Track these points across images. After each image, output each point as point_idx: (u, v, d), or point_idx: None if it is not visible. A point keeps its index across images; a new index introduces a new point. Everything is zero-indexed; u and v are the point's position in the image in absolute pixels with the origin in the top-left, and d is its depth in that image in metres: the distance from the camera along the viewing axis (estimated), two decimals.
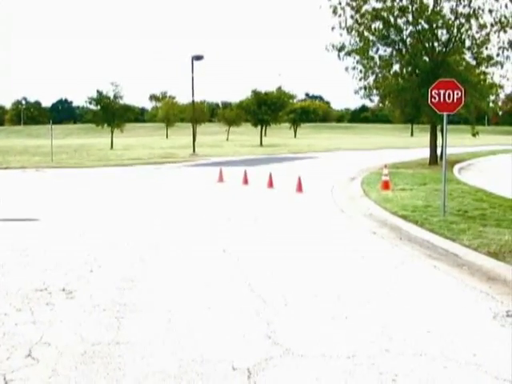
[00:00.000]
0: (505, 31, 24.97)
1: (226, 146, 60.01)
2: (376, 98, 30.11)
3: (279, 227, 10.66)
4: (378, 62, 27.61)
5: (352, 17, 26.21)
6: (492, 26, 25.14)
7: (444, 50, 26.52)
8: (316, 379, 4.06)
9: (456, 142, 53.09)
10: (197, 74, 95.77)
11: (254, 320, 5.32)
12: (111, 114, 57.68)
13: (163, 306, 5.77)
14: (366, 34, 26.53)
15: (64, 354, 4.52)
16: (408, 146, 58.64)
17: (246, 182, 18.99)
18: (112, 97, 57.75)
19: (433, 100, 11.16)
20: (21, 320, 5.32)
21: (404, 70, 28.23)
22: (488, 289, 6.29)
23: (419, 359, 4.38)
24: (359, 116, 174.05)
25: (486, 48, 26.33)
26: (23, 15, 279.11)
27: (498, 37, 25.40)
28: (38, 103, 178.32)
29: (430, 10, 25.87)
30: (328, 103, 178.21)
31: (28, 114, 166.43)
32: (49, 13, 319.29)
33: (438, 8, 26.00)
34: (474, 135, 33.23)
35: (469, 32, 26.08)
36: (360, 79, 27.65)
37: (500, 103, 34.25)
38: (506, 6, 24.12)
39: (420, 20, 25.98)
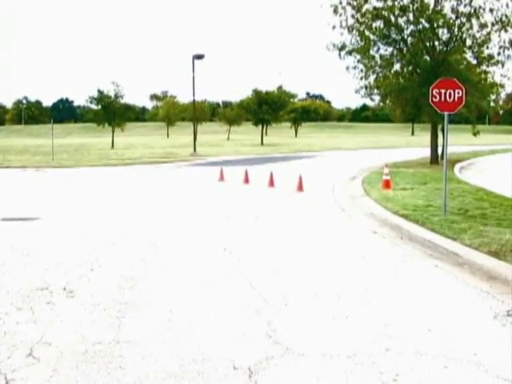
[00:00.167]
0: (505, 30, 24.98)
1: (227, 146, 60.00)
2: (377, 98, 30.11)
3: (280, 226, 10.65)
4: (378, 62, 27.61)
5: (353, 16, 26.21)
6: (493, 25, 25.15)
7: (445, 49, 26.51)
8: (317, 379, 4.06)
9: (457, 141, 53.04)
10: (198, 74, 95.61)
11: (254, 319, 5.32)
12: (112, 113, 57.75)
13: (164, 305, 5.77)
14: (366, 33, 26.52)
15: (65, 353, 4.52)
16: (409, 145, 58.65)
17: (246, 181, 18.98)
18: (113, 96, 57.88)
19: (434, 99, 11.14)
20: (21, 319, 5.33)
21: (405, 70, 28.21)
22: (489, 288, 6.28)
23: (420, 358, 4.38)
24: (360, 115, 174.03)
25: (487, 47, 26.35)
26: (23, 15, 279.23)
27: (499, 36, 25.44)
28: (38, 102, 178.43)
29: (430, 9, 25.86)
30: (329, 102, 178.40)
31: (29, 114, 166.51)
32: (49, 12, 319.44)
33: (439, 7, 26.00)
34: (474, 134, 33.23)
35: (470, 31, 26.09)
36: (361, 78, 27.67)
37: (501, 102, 34.18)
38: (507, 5, 24.15)
39: (421, 19, 25.96)
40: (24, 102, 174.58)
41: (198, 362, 4.35)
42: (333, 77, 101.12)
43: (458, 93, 11.06)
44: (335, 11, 26.17)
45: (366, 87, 27.88)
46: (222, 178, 20.00)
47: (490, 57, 26.41)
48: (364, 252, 8.28)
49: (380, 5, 25.95)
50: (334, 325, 5.15)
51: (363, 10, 25.99)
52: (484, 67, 27.33)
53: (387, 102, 30.95)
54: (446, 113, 11.36)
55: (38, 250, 8.48)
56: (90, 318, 5.38)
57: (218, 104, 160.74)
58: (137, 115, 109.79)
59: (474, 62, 27.50)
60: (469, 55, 27.63)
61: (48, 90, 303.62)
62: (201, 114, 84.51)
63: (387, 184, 16.21)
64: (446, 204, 11.15)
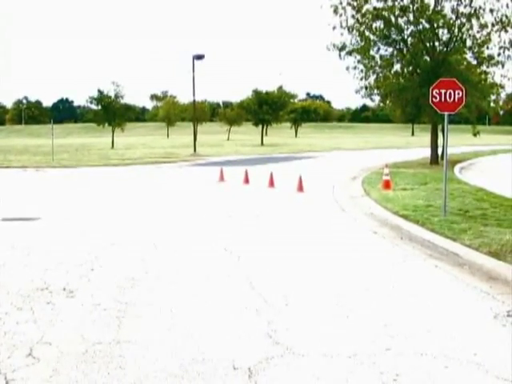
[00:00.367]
0: (506, 31, 24.98)
1: (227, 146, 60.00)
2: (377, 98, 30.09)
3: (280, 226, 10.66)
4: (378, 62, 27.62)
5: (353, 16, 26.21)
6: (493, 25, 25.15)
7: (445, 49, 26.51)
8: (317, 379, 4.06)
9: (457, 141, 53.07)
10: (198, 74, 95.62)
11: (254, 319, 5.32)
12: (112, 113, 57.75)
13: (164, 305, 5.77)
14: (366, 33, 26.52)
15: (65, 353, 4.52)
16: (409, 145, 58.66)
17: (246, 181, 18.99)
18: (113, 96, 57.85)
19: (434, 100, 11.14)
20: (22, 319, 5.33)
21: (405, 70, 28.22)
22: (489, 288, 6.29)
23: (420, 358, 4.38)
24: (360, 115, 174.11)
25: (487, 47, 26.35)
26: (24, 15, 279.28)
27: (499, 36, 25.44)
28: (38, 103, 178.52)
29: (431, 9, 25.87)
30: (329, 103, 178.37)
31: (29, 114, 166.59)
32: (49, 12, 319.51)
33: (439, 7, 26.01)
34: (474, 135, 33.28)
35: (470, 31, 26.09)
36: (361, 79, 27.68)
37: (501, 103, 34.16)
38: (507, 6, 24.15)
39: (421, 19, 25.97)
40: (24, 102, 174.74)
41: (198, 362, 4.35)
42: (333, 77, 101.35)
43: (458, 93, 11.06)
44: (335, 11, 26.19)
45: (366, 87, 27.90)
46: (222, 178, 20.01)
47: (490, 57, 26.42)
48: (364, 252, 8.28)
49: (380, 5, 25.98)
50: (334, 325, 5.16)
51: (363, 10, 26.00)
52: (484, 68, 27.34)
53: (387, 102, 30.94)
54: (446, 113, 11.35)
55: (38, 249, 8.48)
56: (90, 317, 5.38)
57: (218, 104, 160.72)
58: (137, 115, 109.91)
59: (474, 62, 27.50)
60: (469, 56, 27.65)
61: (48, 90, 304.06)
62: (201, 114, 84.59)
63: (387, 184, 16.21)
64: (446, 204, 11.15)
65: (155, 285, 6.56)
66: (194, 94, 44.43)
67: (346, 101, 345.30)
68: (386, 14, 26.02)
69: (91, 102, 60.24)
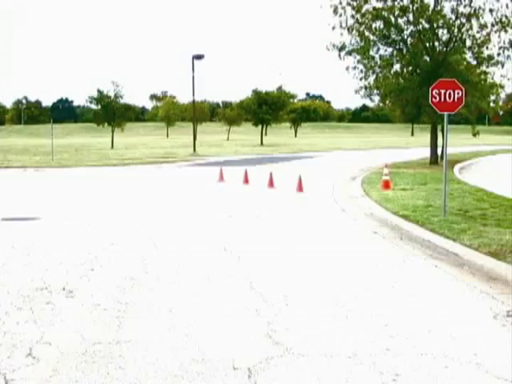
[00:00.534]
0: (505, 31, 24.96)
1: (227, 146, 60.00)
2: (377, 98, 30.10)
3: (280, 226, 10.66)
4: (378, 62, 27.59)
5: (353, 16, 26.19)
6: (493, 25, 25.14)
7: (445, 49, 26.50)
8: (317, 379, 4.06)
9: (457, 141, 53.07)
10: (197, 74, 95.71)
11: (254, 319, 5.32)
12: (112, 113, 57.77)
13: (164, 305, 5.77)
14: (366, 33, 26.50)
15: (65, 353, 4.52)
16: (408, 145, 58.65)
17: (246, 181, 18.98)
18: (113, 96, 57.85)
19: (433, 100, 11.14)
20: (21, 319, 5.33)
21: (405, 70, 28.20)
22: (488, 289, 6.29)
23: (420, 358, 4.38)
24: (360, 116, 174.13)
25: (487, 48, 26.33)
26: (23, 14, 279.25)
27: (499, 36, 25.42)
28: (38, 102, 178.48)
29: (430, 9, 25.86)
30: (328, 103, 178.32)
31: (28, 114, 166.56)
32: (49, 12, 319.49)
33: (439, 8, 26.00)
34: (474, 135, 33.27)
35: (469, 32, 26.07)
36: (361, 79, 27.66)
37: (501, 103, 34.18)
38: (507, 6, 24.14)
39: (421, 20, 25.96)
40: (24, 101, 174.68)
41: (198, 362, 4.35)
42: (333, 77, 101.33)
43: (458, 93, 11.06)
44: (335, 11, 26.16)
45: (365, 87, 27.88)
46: (221, 178, 20.00)
47: (490, 57, 26.40)
48: (364, 252, 8.28)
49: (380, 5, 25.96)
50: (334, 325, 5.15)
51: (363, 10, 25.98)
52: (484, 68, 27.33)
53: (387, 102, 30.97)
54: (445, 113, 11.36)
55: (38, 249, 8.48)
56: (90, 317, 5.38)
57: (217, 104, 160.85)
58: (136, 115, 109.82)
59: (474, 62, 27.50)
60: (469, 56, 27.65)
61: (48, 90, 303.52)
62: (201, 114, 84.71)
63: (387, 184, 16.22)
64: (446, 204, 11.15)
65: (155, 285, 6.55)
66: (193, 94, 44.50)
67: (345, 101, 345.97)
68: (385, 14, 26.00)
69: (91, 102, 60.36)
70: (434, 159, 27.92)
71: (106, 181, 21.73)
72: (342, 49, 27.16)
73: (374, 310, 5.56)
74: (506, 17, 24.60)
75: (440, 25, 26.13)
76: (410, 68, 27.86)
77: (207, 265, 7.50)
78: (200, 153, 42.01)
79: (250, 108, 70.71)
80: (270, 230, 10.33)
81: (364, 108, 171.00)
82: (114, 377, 4.10)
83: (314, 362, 4.32)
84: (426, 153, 30.13)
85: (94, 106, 61.20)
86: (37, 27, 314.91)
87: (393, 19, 26.26)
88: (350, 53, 27.20)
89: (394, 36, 26.93)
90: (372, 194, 15.05)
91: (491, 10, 24.78)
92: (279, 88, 71.10)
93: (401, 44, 27.26)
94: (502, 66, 26.30)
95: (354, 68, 27.57)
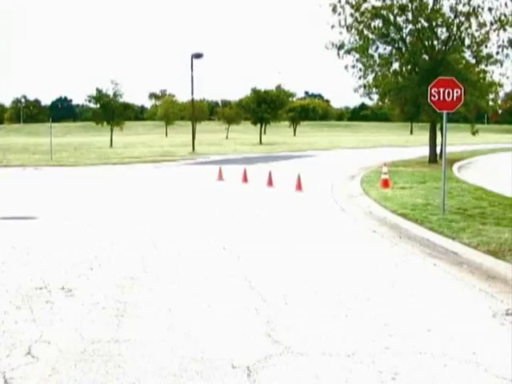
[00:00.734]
0: (504, 29, 24.97)
1: (226, 145, 59.98)
2: (375, 97, 30.07)
3: (279, 225, 10.65)
4: (377, 61, 27.58)
5: (352, 15, 26.18)
6: (491, 24, 25.14)
7: (444, 48, 26.51)
8: (316, 377, 4.06)
9: (456, 140, 53.09)
10: (196, 72, 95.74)
11: (253, 318, 5.32)
12: (111, 112, 57.67)
13: (163, 304, 5.77)
14: (365, 32, 26.50)
15: (64, 352, 4.52)
16: (407, 144, 58.65)
17: (245, 180, 18.98)
18: (112, 95, 57.76)
19: (432, 98, 11.14)
20: (20, 318, 5.32)
21: (404, 69, 28.20)
22: (487, 287, 6.29)
23: (419, 357, 4.38)
24: (359, 114, 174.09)
25: (486, 46, 26.35)
26: (23, 13, 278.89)
27: (498, 35, 25.44)
28: (37, 101, 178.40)
29: (429, 8, 25.85)
30: (327, 101, 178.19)
31: (27, 112, 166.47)
32: (49, 11, 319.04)
33: (438, 6, 25.98)
34: (473, 134, 33.25)
35: (468, 30, 26.08)
36: (359, 77, 27.66)
37: (499, 101, 34.16)
38: (506, 5, 24.14)
39: (420, 18, 25.96)
40: (23, 100, 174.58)
41: (197, 360, 4.35)
42: (331, 76, 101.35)
43: (457, 92, 11.07)
44: (334, 10, 26.16)
45: (364, 86, 27.88)
46: (220, 177, 19.99)
47: (489, 56, 26.42)
48: (363, 251, 8.28)
49: (379, 4, 25.96)
50: (333, 324, 5.16)
51: (362, 8, 25.97)
52: (483, 66, 27.34)
53: (386, 100, 30.90)
54: (444, 112, 11.36)
55: (37, 248, 8.47)
56: (89, 316, 5.38)
57: (216, 103, 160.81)
58: (136, 114, 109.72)
59: (473, 61, 27.51)
60: (467, 54, 27.66)
61: (47, 89, 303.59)
62: (200, 112, 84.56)
63: (386, 183, 16.22)
64: (445, 203, 11.16)
65: (154, 284, 6.55)
66: (192, 93, 44.42)
67: (344, 99, 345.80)
68: (384, 12, 26.00)
69: (90, 101, 60.21)
70: (433, 158, 27.92)
71: (105, 180, 21.72)
72: (340, 47, 27.16)
73: (373, 309, 5.56)
74: (505, 15, 24.61)
75: (439, 23, 26.14)
76: (409, 66, 27.85)
77: (206, 264, 7.50)
78: (199, 151, 41.99)
79: (248, 107, 70.72)
80: (269, 229, 10.33)
81: (363, 107, 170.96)
82: (113, 376, 4.10)
83: (313, 361, 4.32)
84: (425, 151, 30.12)
85: (93, 105, 61.09)
86: (36, 26, 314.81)
87: (392, 18, 26.26)
88: (348, 51, 27.20)
89: (392, 35, 26.93)
90: (371, 192, 15.05)
91: (490, 9, 24.80)
92: (278, 87, 71.12)
93: (400, 43, 27.26)
94: (501, 64, 26.34)
95: (353, 67, 27.58)
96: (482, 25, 25.45)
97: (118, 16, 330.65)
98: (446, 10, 25.97)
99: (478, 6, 25.01)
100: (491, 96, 28.80)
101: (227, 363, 4.29)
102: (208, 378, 4.07)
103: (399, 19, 26.51)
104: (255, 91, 70.16)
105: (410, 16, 26.19)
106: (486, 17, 25.28)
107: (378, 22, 26.40)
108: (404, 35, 27.16)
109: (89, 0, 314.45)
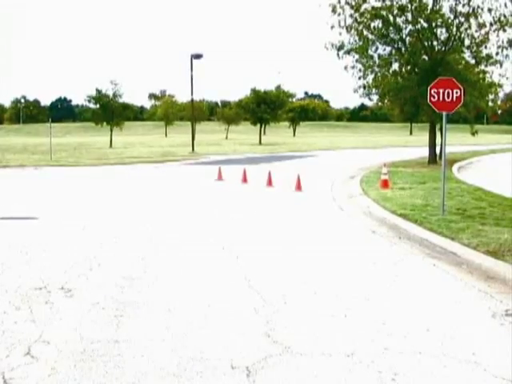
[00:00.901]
0: (504, 30, 24.97)
1: (225, 145, 59.97)
2: (375, 97, 30.02)
3: (278, 225, 10.66)
4: (377, 61, 27.57)
5: (351, 15, 26.17)
6: (491, 25, 25.13)
7: (443, 48, 26.50)
8: (315, 378, 4.06)
9: (455, 140, 53.10)
10: (196, 73, 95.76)
11: (253, 318, 5.32)
12: (110, 112, 57.63)
13: (163, 304, 5.77)
14: (365, 32, 26.48)
15: (63, 352, 4.52)
16: (407, 144, 58.65)
17: (245, 180, 18.98)
18: (111, 95, 57.72)
19: (432, 99, 11.14)
20: (20, 318, 5.32)
21: (403, 69, 28.18)
22: (487, 288, 6.29)
23: (418, 357, 4.39)
24: (358, 115, 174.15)
25: (486, 47, 26.31)
26: (23, 13, 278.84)
27: (498, 36, 25.42)
28: (37, 102, 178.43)
29: (429, 8, 25.85)
30: (327, 102, 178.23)
31: (27, 113, 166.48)
32: (48, 11, 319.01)
33: (438, 7, 25.98)
34: (473, 134, 33.23)
35: (468, 31, 26.06)
36: (359, 78, 27.63)
37: (499, 102, 34.16)
38: (506, 5, 24.15)
39: (419, 19, 25.94)
40: (22, 100, 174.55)
41: (197, 360, 4.35)
42: (331, 76, 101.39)
43: (457, 92, 11.07)
44: (333, 11, 26.14)
45: (364, 87, 27.85)
46: (220, 177, 19.99)
47: (489, 56, 26.40)
48: (362, 251, 8.28)
49: (378, 4, 25.94)
50: (332, 324, 5.16)
51: (362, 9, 25.96)
52: (482, 67, 27.32)
53: (385, 101, 30.89)
54: (444, 112, 11.36)
55: (36, 248, 8.47)
56: (88, 316, 5.38)
57: (216, 103, 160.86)
58: (135, 114, 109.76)
59: (473, 61, 27.49)
60: (467, 55, 27.62)
61: (46, 89, 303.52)
62: (199, 113, 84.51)
63: (385, 183, 16.23)
64: (444, 203, 11.16)
65: (153, 284, 6.55)
66: (192, 93, 44.41)
67: (344, 100, 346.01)
68: (384, 13, 25.98)
69: (89, 101, 60.14)
70: (433, 158, 27.91)
71: (104, 180, 21.71)
72: (340, 48, 27.14)
73: (372, 309, 5.56)
74: (505, 16, 24.61)
75: (438, 24, 26.12)
76: (409, 67, 27.84)
77: (206, 264, 7.50)
78: (199, 152, 41.98)
79: (248, 107, 70.67)
80: (268, 229, 10.33)
81: (362, 107, 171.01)
82: (112, 375, 4.10)
83: (312, 361, 4.33)
84: (424, 152, 30.12)
85: (92, 105, 61.03)
86: (36, 26, 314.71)
87: (391, 18, 26.24)
88: (348, 52, 27.18)
89: (392, 35, 26.91)
90: (370, 193, 15.06)
91: (490, 10, 24.78)
92: (278, 87, 71.04)
93: (399, 43, 27.25)
94: (501, 65, 26.32)
95: (353, 67, 27.55)
96: (481, 25, 25.45)
97: (117, 16, 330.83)
98: (445, 10, 25.98)
99: (478, 7, 25.01)
100: (491, 96, 28.79)
101: (226, 363, 4.29)
102: (207, 378, 4.07)
103: (399, 20, 26.50)
104: (255, 91, 70.12)
105: (409, 16, 26.18)
106: (486, 17, 25.33)
107: (377, 23, 26.39)
108: (404, 36, 27.15)
109: (89, 0, 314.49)
